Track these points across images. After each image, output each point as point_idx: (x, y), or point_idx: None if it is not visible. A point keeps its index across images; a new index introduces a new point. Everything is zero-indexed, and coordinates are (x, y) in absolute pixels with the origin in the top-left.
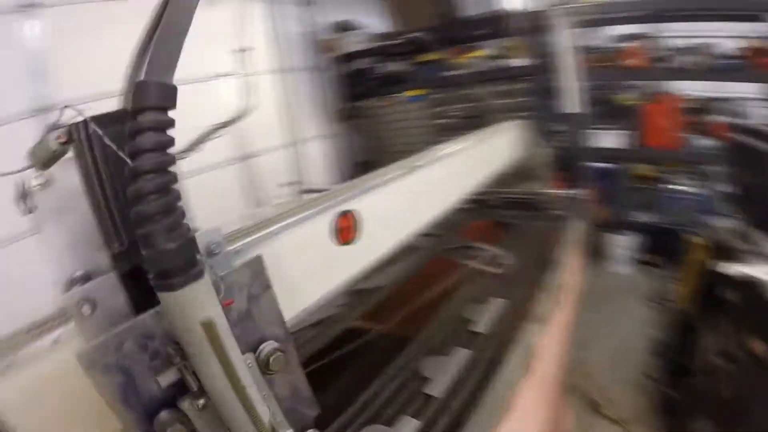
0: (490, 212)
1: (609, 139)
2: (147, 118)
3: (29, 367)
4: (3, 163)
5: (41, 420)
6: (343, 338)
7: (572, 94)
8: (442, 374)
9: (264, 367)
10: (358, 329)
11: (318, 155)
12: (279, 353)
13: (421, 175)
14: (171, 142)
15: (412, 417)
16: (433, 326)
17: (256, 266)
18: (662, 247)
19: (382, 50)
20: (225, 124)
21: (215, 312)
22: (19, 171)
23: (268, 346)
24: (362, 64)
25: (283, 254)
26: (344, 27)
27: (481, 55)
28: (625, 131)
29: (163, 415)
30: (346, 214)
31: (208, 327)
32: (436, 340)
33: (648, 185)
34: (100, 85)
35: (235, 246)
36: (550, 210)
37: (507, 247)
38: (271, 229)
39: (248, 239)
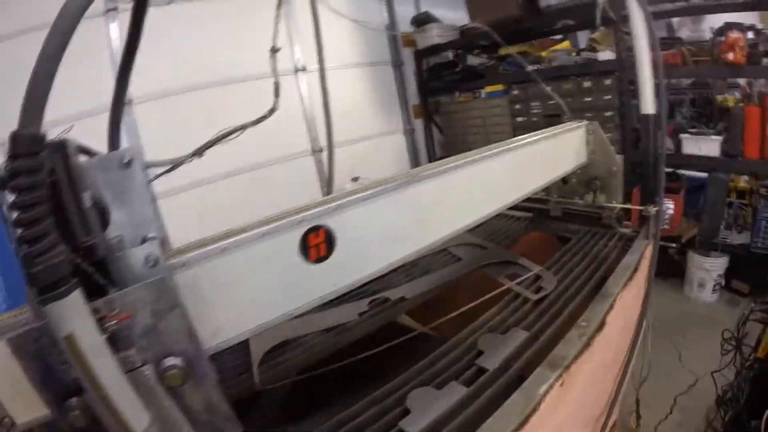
0: (548, 224)
1: (705, 145)
2: (18, 163)
3: None
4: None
5: None
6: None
7: (650, 92)
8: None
9: (161, 380)
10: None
11: (394, 150)
12: (176, 370)
13: (426, 187)
14: (41, 181)
15: None
16: (435, 355)
17: (160, 286)
18: (753, 274)
19: (461, 44)
20: (243, 127)
21: (79, 326)
22: None
23: (169, 362)
24: (441, 58)
25: (240, 268)
26: (424, 20)
27: (565, 48)
28: (723, 137)
29: (71, 401)
30: (317, 230)
31: (70, 340)
32: (429, 374)
33: (744, 201)
34: (159, 83)
35: (180, 258)
36: (616, 227)
37: (556, 268)
38: (228, 242)
39: (197, 252)
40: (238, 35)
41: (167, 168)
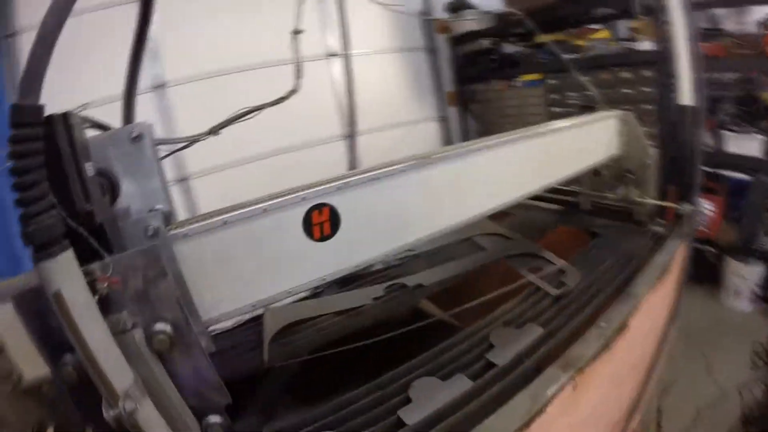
0: (577, 218)
1: (748, 144)
2: (17, 132)
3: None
4: None
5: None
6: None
7: (688, 83)
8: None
9: (149, 344)
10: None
11: (427, 138)
12: (163, 335)
13: (437, 171)
14: (38, 149)
15: None
16: (445, 345)
17: (151, 254)
18: None
19: (497, 31)
20: (262, 107)
21: (68, 285)
22: None
23: (158, 327)
24: (476, 45)
25: (242, 242)
26: (459, 6)
27: (604, 38)
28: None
29: (66, 357)
30: (320, 208)
31: (58, 297)
32: (436, 363)
33: None
34: (199, 65)
35: (182, 230)
36: (648, 224)
37: (581, 263)
38: (229, 215)
39: (198, 224)
40: (274, 20)
41: (183, 145)
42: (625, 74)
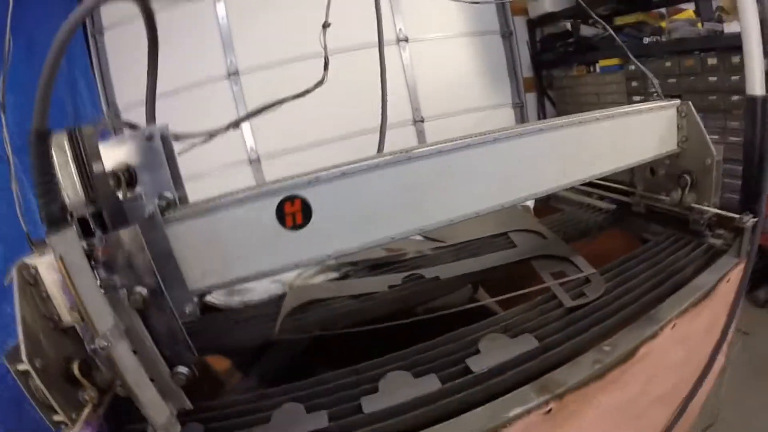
0: (629, 221)
1: None
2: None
3: None
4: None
5: None
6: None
7: (760, 70)
8: None
9: (129, 302)
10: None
11: (502, 124)
12: (138, 296)
13: (418, 168)
14: (48, 160)
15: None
16: (432, 342)
17: (133, 233)
18: None
19: (576, 12)
20: (284, 100)
21: (67, 251)
22: None
23: (136, 289)
24: (554, 28)
25: (225, 228)
26: None
27: (688, 18)
28: None
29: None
30: (292, 200)
31: (61, 259)
32: (415, 360)
33: None
34: (265, 55)
35: (175, 213)
36: (705, 236)
37: (613, 273)
38: (212, 204)
39: (187, 212)
40: (341, 7)
41: (204, 140)
42: (711, 60)
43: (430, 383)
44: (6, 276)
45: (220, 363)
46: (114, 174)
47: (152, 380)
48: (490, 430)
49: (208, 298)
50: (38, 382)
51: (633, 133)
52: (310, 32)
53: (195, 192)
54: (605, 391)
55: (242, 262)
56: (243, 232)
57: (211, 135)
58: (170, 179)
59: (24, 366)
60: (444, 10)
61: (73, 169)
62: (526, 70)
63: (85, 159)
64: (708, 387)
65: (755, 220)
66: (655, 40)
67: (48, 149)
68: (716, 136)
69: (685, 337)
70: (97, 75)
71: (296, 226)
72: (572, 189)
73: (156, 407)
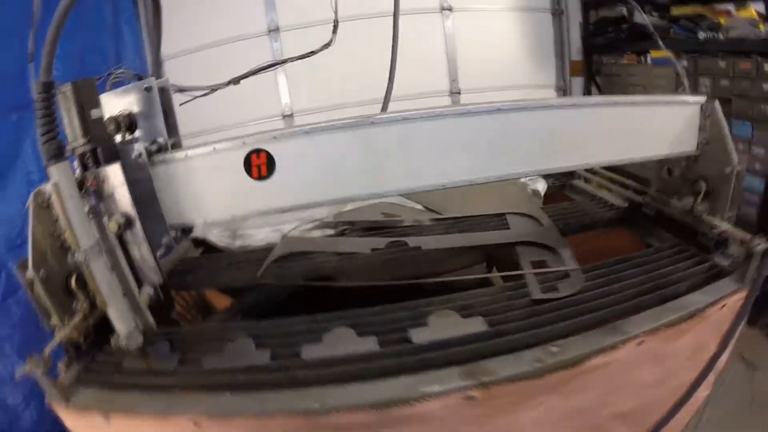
0: (636, 222)
1: None
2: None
3: None
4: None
5: None
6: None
7: None
8: None
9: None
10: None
11: None
12: (115, 222)
13: (382, 133)
14: (50, 106)
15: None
16: (386, 308)
17: (116, 170)
18: None
19: None
20: (283, 62)
21: (61, 181)
22: None
23: (116, 217)
24: (610, 11)
25: (199, 172)
26: None
27: (749, 17)
28: None
29: None
30: (258, 153)
31: (55, 186)
32: (363, 320)
33: None
34: (304, 15)
35: (159, 157)
36: (713, 253)
37: (599, 273)
38: (188, 152)
39: (169, 156)
40: None
41: (204, 92)
42: None
43: (368, 344)
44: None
45: (221, 300)
46: (115, 119)
47: (125, 295)
48: (401, 400)
49: (212, 239)
50: (40, 288)
51: (640, 126)
52: None
53: None
54: (547, 394)
55: (212, 205)
56: (215, 178)
57: (212, 90)
58: (164, 127)
59: (29, 274)
60: None
61: (74, 115)
62: (575, 53)
63: (83, 105)
64: (685, 417)
65: (765, 247)
66: (711, 36)
67: (51, 97)
68: (762, 150)
69: (659, 357)
70: (143, 24)
71: (261, 177)
72: (590, 181)
73: (122, 319)
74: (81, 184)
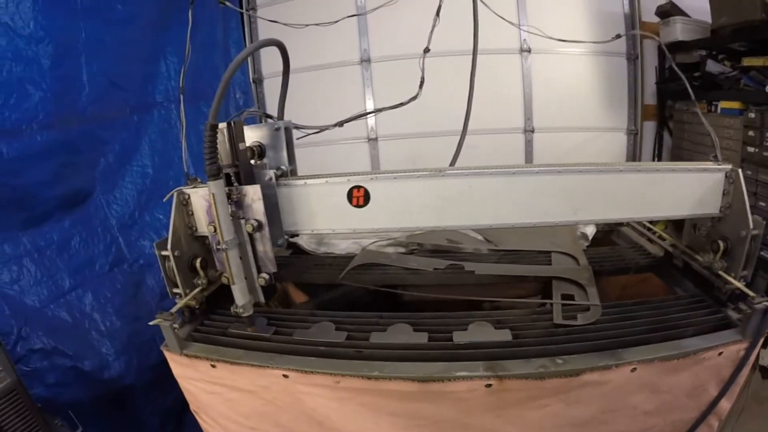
0: (665, 271)
1: None
2: (207, 134)
3: None
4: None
5: None
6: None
7: None
8: None
9: (244, 227)
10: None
11: (612, 149)
12: (249, 224)
13: (449, 183)
14: (214, 142)
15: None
16: (442, 314)
17: (254, 190)
18: None
19: (707, 44)
20: (381, 110)
21: (217, 192)
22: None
23: (251, 221)
24: (687, 57)
25: (313, 196)
26: (668, 11)
27: None
28: None
29: None
30: (358, 188)
31: (212, 195)
32: (422, 320)
33: None
34: (398, 48)
35: (284, 181)
36: (727, 307)
37: (617, 311)
38: (305, 181)
39: (292, 181)
40: (466, 11)
41: (314, 131)
42: None
43: (421, 338)
44: (167, 196)
45: (299, 296)
46: (251, 148)
47: (246, 278)
48: (437, 378)
49: (301, 243)
50: (173, 263)
51: (672, 188)
52: (437, 31)
53: (323, 155)
54: (550, 397)
55: (320, 221)
56: (324, 201)
57: (321, 129)
58: (286, 157)
59: (167, 252)
60: (572, 24)
61: (227, 146)
62: (649, 97)
63: (234, 140)
64: None
65: (765, 304)
66: None
67: (215, 134)
68: None
69: (654, 387)
70: (247, 45)
71: (359, 206)
72: (634, 228)
73: (242, 293)
74: (228, 195)
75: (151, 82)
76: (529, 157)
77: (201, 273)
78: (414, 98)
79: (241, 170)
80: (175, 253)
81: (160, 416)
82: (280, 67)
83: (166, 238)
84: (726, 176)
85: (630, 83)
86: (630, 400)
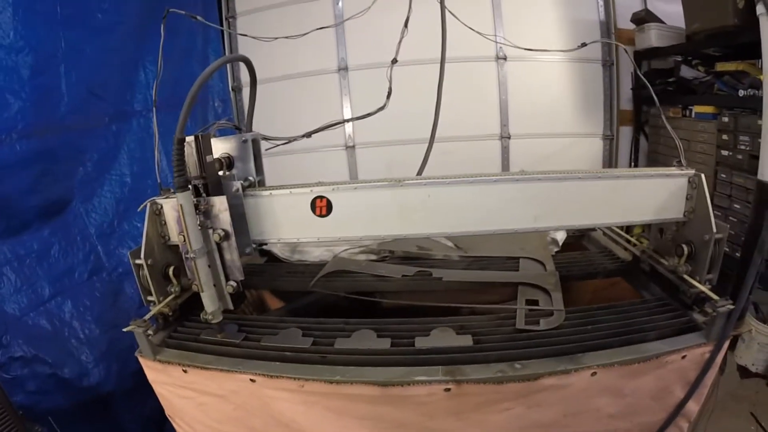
0: (634, 275)
1: None
2: (175, 148)
3: None
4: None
5: None
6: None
7: None
8: None
9: (212, 236)
10: None
11: (588, 154)
12: (217, 234)
13: (409, 192)
14: (182, 155)
15: None
16: (405, 321)
17: (221, 201)
18: None
19: (682, 50)
20: (347, 120)
21: (185, 203)
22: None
23: (218, 231)
24: (657, 64)
25: (278, 206)
26: (645, 18)
27: None
28: None
29: None
30: (321, 198)
31: (180, 207)
32: (384, 327)
33: None
34: (376, 56)
35: (250, 192)
36: (692, 310)
37: (581, 316)
38: (272, 192)
39: (258, 192)
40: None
41: (282, 142)
42: None
43: (384, 343)
44: (141, 206)
45: (274, 302)
46: (219, 160)
47: (215, 286)
48: (398, 382)
49: (275, 251)
50: (146, 272)
51: (627, 195)
52: (414, 40)
53: (301, 162)
54: (511, 401)
55: (286, 230)
56: (289, 211)
57: (290, 140)
58: (254, 168)
59: (140, 261)
60: (547, 31)
61: (194, 158)
62: (625, 103)
63: (202, 152)
64: None
65: (731, 308)
66: (752, 93)
67: (183, 148)
68: None
69: (616, 391)
70: (226, 53)
71: (322, 216)
72: (605, 233)
73: (212, 300)
74: (196, 206)
75: (130, 91)
76: (505, 163)
77: (174, 281)
78: (381, 109)
79: (209, 182)
80: (149, 262)
81: (140, 422)
82: (268, 74)
83: (140, 247)
84: (689, 181)
85: (606, 89)
86: (593, 403)
